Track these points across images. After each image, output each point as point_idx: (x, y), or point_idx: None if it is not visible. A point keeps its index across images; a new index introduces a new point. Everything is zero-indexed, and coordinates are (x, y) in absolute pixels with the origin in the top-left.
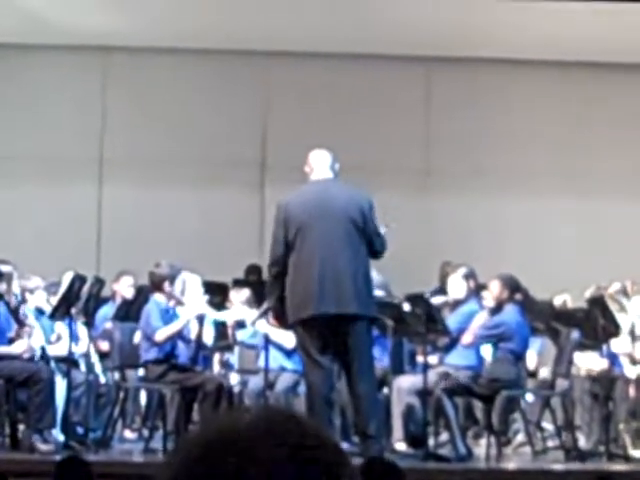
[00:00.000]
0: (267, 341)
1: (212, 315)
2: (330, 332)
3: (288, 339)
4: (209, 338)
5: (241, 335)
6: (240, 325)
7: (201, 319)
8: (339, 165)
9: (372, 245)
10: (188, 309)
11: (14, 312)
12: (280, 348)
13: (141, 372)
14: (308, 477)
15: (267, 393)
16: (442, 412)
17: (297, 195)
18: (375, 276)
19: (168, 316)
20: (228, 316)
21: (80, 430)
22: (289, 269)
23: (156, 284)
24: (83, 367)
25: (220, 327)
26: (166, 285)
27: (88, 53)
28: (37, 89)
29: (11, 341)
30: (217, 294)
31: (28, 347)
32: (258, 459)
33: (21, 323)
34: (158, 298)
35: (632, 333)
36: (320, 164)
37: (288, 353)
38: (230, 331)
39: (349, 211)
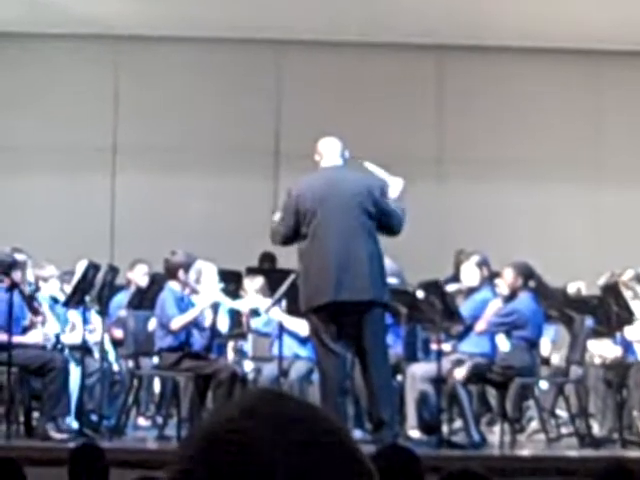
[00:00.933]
0: (281, 329)
1: (227, 303)
2: (345, 319)
3: (302, 327)
4: (224, 326)
5: (255, 323)
6: (254, 313)
7: (216, 307)
8: (349, 152)
9: (390, 225)
10: (203, 297)
11: (28, 300)
12: (294, 336)
13: (155, 360)
14: (321, 466)
15: (281, 381)
16: (456, 399)
17: (307, 182)
18: (389, 263)
19: (183, 304)
20: (242, 304)
21: (94, 418)
22: (301, 257)
23: (171, 272)
24: (97, 355)
25: (234, 315)
26: (181, 273)
27: (100, 42)
28: (49, 78)
29: (25, 330)
30: (231, 282)
31: (42, 336)
32: (271, 449)
33: (35, 311)
34: (173, 286)
35: None
36: (330, 152)
37: (302, 341)
38: (244, 319)
39: (359, 197)
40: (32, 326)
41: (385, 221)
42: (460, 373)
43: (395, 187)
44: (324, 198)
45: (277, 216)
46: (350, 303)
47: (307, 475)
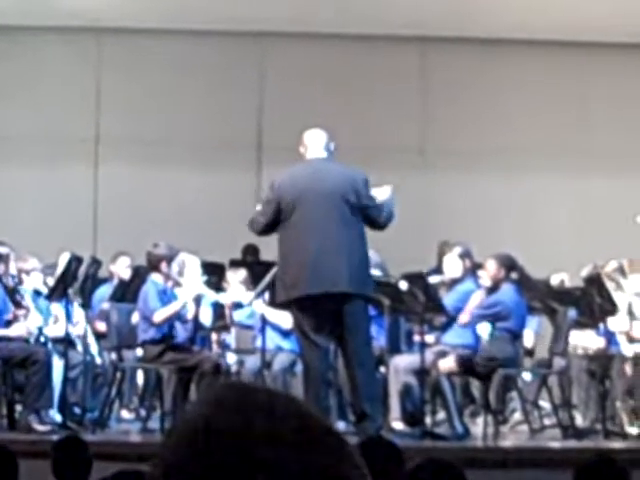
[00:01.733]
0: (264, 321)
1: (210, 296)
2: (325, 311)
3: (285, 319)
4: (207, 319)
5: (238, 316)
6: (237, 306)
7: (198, 300)
8: (334, 145)
9: (373, 218)
10: (186, 290)
11: (11, 294)
12: (277, 328)
13: (138, 352)
14: (308, 461)
15: (264, 373)
16: (439, 391)
17: (290, 174)
18: (372, 255)
19: (166, 297)
20: (225, 297)
21: (77, 410)
22: (280, 248)
23: (153, 264)
24: (80, 348)
25: (217, 308)
26: (163, 266)
27: (83, 34)
28: (32, 70)
29: (8, 323)
30: (214, 274)
31: (25, 329)
32: (256, 444)
33: (18, 304)
34: (156, 278)
35: (629, 311)
36: (315, 144)
37: (285, 333)
38: (227, 312)
39: (342, 190)
40: (15, 319)
41: (369, 214)
42: (446, 364)
43: (382, 193)
44: (306, 189)
45: (260, 206)
46: (330, 296)
47: (285, 465)
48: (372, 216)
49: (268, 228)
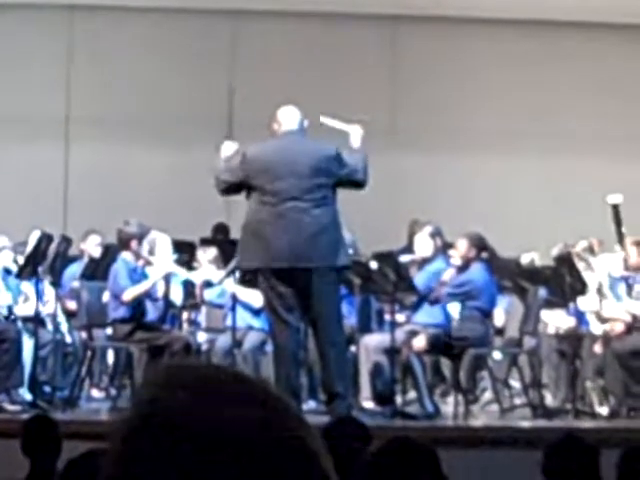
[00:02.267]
0: (234, 300)
1: (181, 274)
2: (295, 287)
3: (255, 298)
4: (177, 297)
5: (208, 294)
6: (207, 284)
7: (168, 278)
8: (307, 122)
9: (354, 181)
10: (156, 269)
11: None
12: (247, 307)
13: (109, 331)
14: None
15: (235, 352)
16: (410, 370)
17: (262, 147)
18: (345, 235)
19: (136, 275)
20: (196, 276)
21: (47, 389)
22: (248, 218)
23: (124, 242)
24: (50, 326)
25: (188, 286)
26: (134, 244)
27: (53, 11)
28: (2, 48)
29: None
30: (184, 253)
31: None
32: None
33: None
34: (126, 257)
35: (599, 291)
36: (288, 120)
37: (255, 312)
38: (198, 291)
39: (314, 167)
40: None
41: (348, 180)
42: (419, 343)
43: (355, 136)
44: (276, 165)
45: (226, 148)
46: (297, 270)
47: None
48: (350, 181)
49: (232, 189)
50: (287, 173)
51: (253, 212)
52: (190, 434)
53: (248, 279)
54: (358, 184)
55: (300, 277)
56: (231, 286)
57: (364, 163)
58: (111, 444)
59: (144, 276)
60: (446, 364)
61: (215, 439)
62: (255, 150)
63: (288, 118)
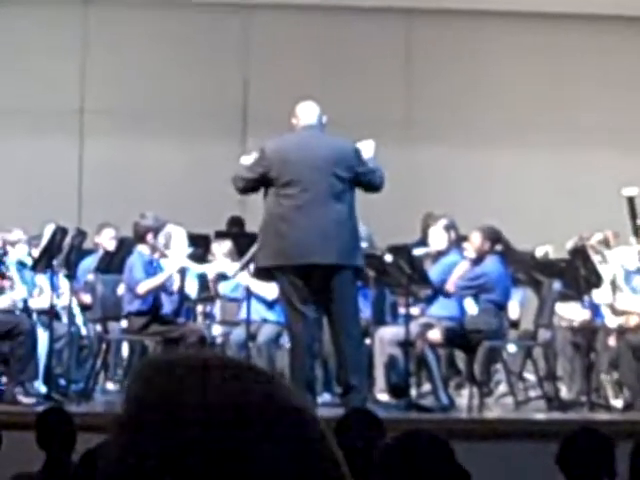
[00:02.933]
0: (249, 293)
1: (194, 269)
2: (313, 282)
3: (269, 291)
4: (192, 290)
5: (223, 288)
6: (222, 277)
7: (183, 272)
8: (326, 117)
9: (371, 182)
10: (171, 262)
11: None
12: (262, 300)
13: (124, 324)
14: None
15: (249, 344)
16: (424, 363)
17: (280, 142)
18: (361, 228)
19: (152, 268)
20: (209, 269)
21: (62, 382)
22: (267, 215)
23: (140, 235)
24: (65, 319)
25: (203, 279)
26: (150, 237)
27: (68, 4)
28: (16, 41)
29: None
30: (199, 246)
31: (10, 301)
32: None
33: (2, 276)
34: (142, 250)
35: (613, 284)
36: (307, 115)
37: (270, 304)
38: (211, 284)
39: (332, 162)
40: (0, 291)
41: (365, 180)
42: (434, 335)
43: (367, 149)
44: (296, 160)
45: (244, 160)
46: (318, 266)
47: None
48: (368, 181)
49: (249, 189)
50: (306, 166)
51: (271, 207)
52: (173, 422)
53: (264, 274)
54: (374, 186)
55: (318, 272)
56: (245, 279)
57: (380, 168)
58: (107, 440)
59: (160, 269)
60: (461, 357)
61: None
62: (273, 144)
63: (307, 113)
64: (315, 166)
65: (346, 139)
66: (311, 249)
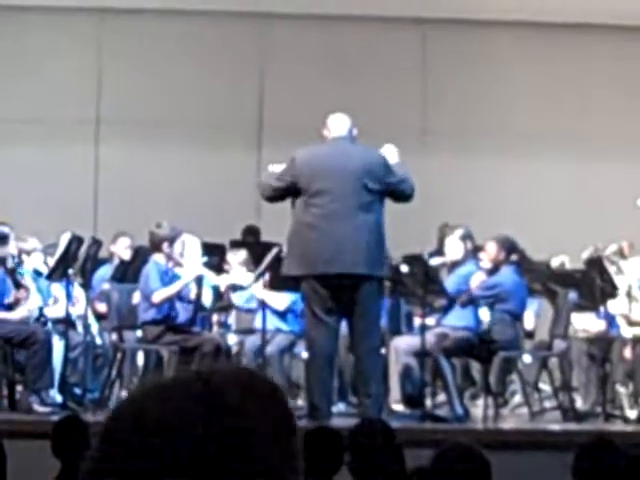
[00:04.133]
0: (263, 304)
1: (209, 278)
2: (339, 292)
3: (280, 302)
4: (207, 300)
5: (237, 299)
6: (235, 288)
7: (200, 281)
8: (357, 130)
9: (401, 192)
10: (187, 272)
11: (11, 274)
12: (274, 311)
13: (139, 333)
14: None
15: (264, 353)
16: (439, 373)
17: (311, 152)
18: None
19: (167, 277)
20: (222, 280)
21: (78, 391)
22: (295, 224)
23: (155, 245)
24: (80, 328)
25: (217, 289)
26: (165, 246)
27: (84, 14)
28: (33, 50)
29: (9, 307)
30: (214, 255)
31: (26, 312)
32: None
33: (18, 285)
34: (158, 259)
35: (629, 294)
36: (338, 127)
37: (281, 315)
38: (225, 294)
39: (361, 171)
40: (17, 303)
41: (398, 190)
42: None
43: (390, 154)
44: (325, 169)
45: (272, 168)
46: (343, 276)
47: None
48: (400, 191)
49: (276, 198)
50: (335, 177)
51: (300, 216)
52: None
53: (289, 282)
54: (405, 195)
55: (345, 282)
56: (259, 291)
57: (410, 177)
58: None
59: (175, 278)
60: (476, 367)
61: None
62: (304, 153)
63: (338, 125)
64: (345, 177)
65: (375, 149)
66: (338, 259)
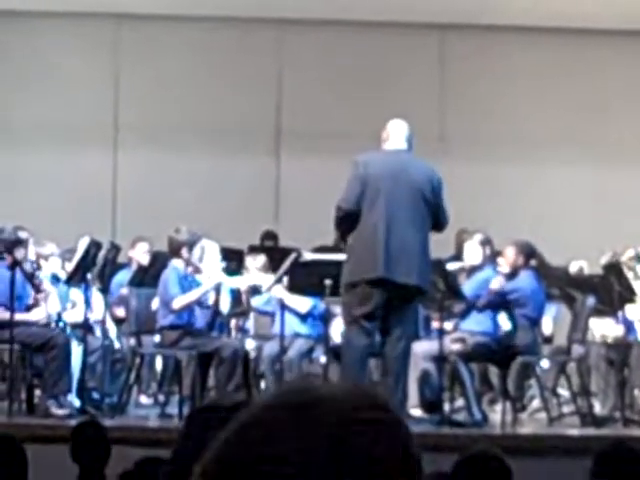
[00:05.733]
0: (282, 307)
1: (228, 284)
2: (389, 299)
3: (302, 304)
4: (225, 305)
5: (255, 302)
6: (254, 292)
7: (218, 287)
8: (414, 138)
9: (438, 218)
10: (207, 279)
11: (30, 278)
12: (295, 313)
13: (157, 338)
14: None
15: (283, 359)
16: (458, 378)
17: (374, 158)
18: None
19: (186, 283)
20: (243, 281)
21: (96, 395)
22: (360, 231)
23: (174, 250)
24: (98, 333)
25: (236, 294)
26: (184, 251)
27: (101, 20)
28: (50, 56)
29: (28, 308)
30: (233, 260)
31: (45, 314)
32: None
33: (37, 289)
34: (177, 264)
35: None
36: (397, 133)
37: (302, 317)
38: (244, 297)
39: (420, 184)
40: (36, 304)
41: (439, 213)
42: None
43: None
44: (387, 178)
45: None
46: (399, 285)
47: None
48: (439, 216)
49: (348, 218)
50: (399, 182)
51: (365, 225)
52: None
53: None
54: (441, 222)
55: (398, 291)
56: (279, 292)
57: (447, 212)
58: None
59: (194, 284)
60: (494, 372)
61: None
62: (367, 158)
63: (396, 131)
64: (409, 188)
65: (433, 166)
66: (397, 266)
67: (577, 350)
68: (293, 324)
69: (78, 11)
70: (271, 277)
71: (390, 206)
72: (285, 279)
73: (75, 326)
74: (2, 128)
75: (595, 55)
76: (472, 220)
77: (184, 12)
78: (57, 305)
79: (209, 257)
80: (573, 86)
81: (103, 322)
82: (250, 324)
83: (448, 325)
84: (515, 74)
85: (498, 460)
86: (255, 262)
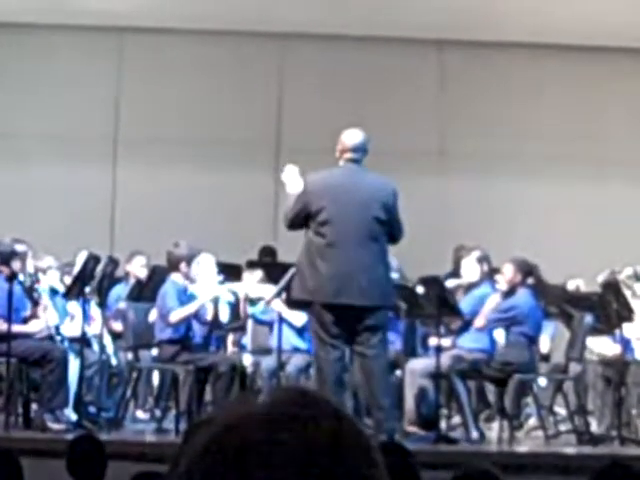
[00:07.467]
0: (280, 320)
1: (226, 297)
2: (345, 320)
3: (299, 317)
4: (224, 317)
5: (253, 310)
6: (252, 302)
7: (216, 301)
8: (370, 146)
9: (394, 233)
10: (203, 292)
11: (28, 291)
12: (291, 325)
13: (154, 352)
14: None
15: (280, 374)
16: (454, 395)
17: (322, 178)
18: (390, 260)
19: (185, 297)
20: (241, 288)
21: (93, 410)
22: (306, 249)
23: (173, 264)
24: (96, 347)
25: (234, 306)
26: (183, 266)
27: (103, 33)
28: (53, 69)
29: (26, 320)
30: (231, 275)
31: (44, 326)
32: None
33: (35, 302)
34: (176, 278)
35: None
36: (349, 146)
37: (299, 331)
38: (242, 305)
39: (373, 202)
40: (33, 317)
41: (393, 227)
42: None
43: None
44: (337, 197)
45: (290, 190)
46: (349, 307)
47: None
48: (393, 231)
49: (295, 225)
50: (345, 205)
51: (309, 242)
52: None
53: (297, 304)
54: (396, 235)
55: (351, 312)
56: (277, 305)
57: (403, 225)
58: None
59: (192, 298)
60: (491, 389)
61: None
62: (314, 179)
63: (351, 142)
64: (355, 206)
65: (386, 179)
66: (346, 290)
67: (574, 368)
68: (291, 337)
69: (80, 25)
70: (271, 287)
71: (336, 227)
72: (284, 294)
73: (72, 340)
74: (2, 142)
75: (594, 72)
76: (470, 236)
77: (185, 26)
78: (55, 318)
79: (204, 269)
80: (572, 103)
81: (100, 336)
82: (247, 339)
83: (445, 342)
84: (514, 90)
85: (494, 478)
86: (253, 277)
